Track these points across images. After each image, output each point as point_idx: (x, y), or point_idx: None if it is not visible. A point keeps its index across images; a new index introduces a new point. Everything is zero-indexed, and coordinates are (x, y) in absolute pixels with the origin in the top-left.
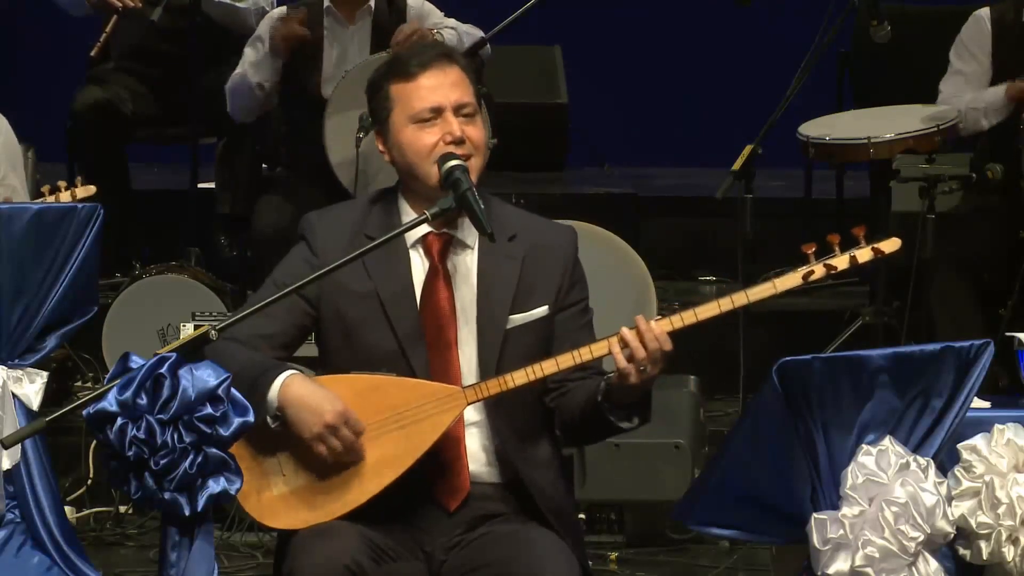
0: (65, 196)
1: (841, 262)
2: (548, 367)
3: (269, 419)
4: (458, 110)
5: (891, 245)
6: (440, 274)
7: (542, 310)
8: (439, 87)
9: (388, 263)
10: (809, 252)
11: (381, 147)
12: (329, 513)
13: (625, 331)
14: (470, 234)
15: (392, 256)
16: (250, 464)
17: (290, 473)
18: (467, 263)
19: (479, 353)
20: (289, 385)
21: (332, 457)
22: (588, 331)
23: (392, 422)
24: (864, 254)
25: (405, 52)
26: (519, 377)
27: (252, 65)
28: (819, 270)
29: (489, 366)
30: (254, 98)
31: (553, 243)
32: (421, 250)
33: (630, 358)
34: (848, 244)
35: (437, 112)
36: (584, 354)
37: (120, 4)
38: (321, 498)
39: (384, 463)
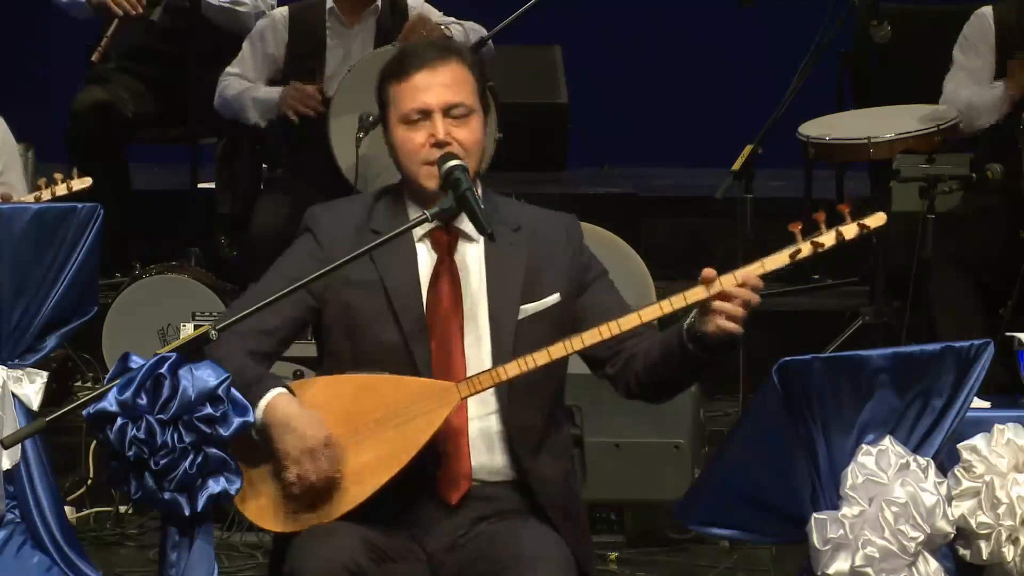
0: (61, 188)
1: (828, 239)
2: (540, 357)
3: (253, 432)
4: (447, 111)
5: (876, 220)
6: (447, 268)
7: (553, 298)
8: (429, 88)
9: (395, 256)
10: (796, 231)
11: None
12: (326, 515)
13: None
14: None
15: (399, 250)
16: (246, 466)
17: (285, 475)
18: (474, 256)
19: (493, 345)
20: (275, 406)
21: (302, 482)
22: (613, 291)
23: (386, 421)
24: (850, 230)
25: (406, 49)
26: (511, 369)
27: (255, 102)
28: (806, 248)
29: (504, 358)
30: (247, 123)
31: (556, 231)
32: (429, 244)
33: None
34: (834, 222)
35: (424, 114)
36: (575, 343)
37: (120, 10)
38: (317, 500)
39: (379, 462)
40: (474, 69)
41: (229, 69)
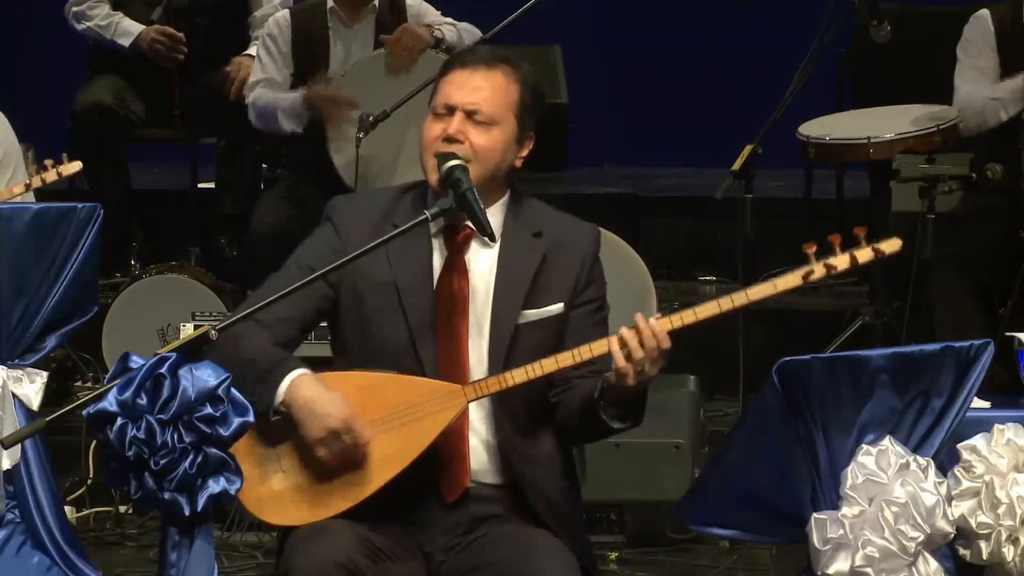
0: (51, 175)
1: (841, 262)
2: (548, 365)
3: (271, 413)
4: (470, 113)
5: (891, 245)
6: (455, 266)
7: (557, 307)
8: (461, 86)
9: (409, 253)
10: (810, 252)
11: None
12: (326, 510)
13: (624, 331)
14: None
15: (414, 246)
16: (249, 457)
17: (289, 468)
18: (488, 258)
19: (490, 346)
20: (299, 385)
21: (331, 462)
22: (600, 329)
23: (392, 419)
24: (864, 254)
25: (465, 49)
26: (519, 375)
27: (283, 112)
28: (819, 270)
29: (498, 360)
30: (283, 132)
31: (574, 241)
32: (442, 241)
33: (628, 357)
34: (849, 244)
35: (449, 109)
36: (584, 352)
37: (169, 64)
38: (319, 494)
39: (383, 461)
40: (524, 87)
41: (252, 80)
